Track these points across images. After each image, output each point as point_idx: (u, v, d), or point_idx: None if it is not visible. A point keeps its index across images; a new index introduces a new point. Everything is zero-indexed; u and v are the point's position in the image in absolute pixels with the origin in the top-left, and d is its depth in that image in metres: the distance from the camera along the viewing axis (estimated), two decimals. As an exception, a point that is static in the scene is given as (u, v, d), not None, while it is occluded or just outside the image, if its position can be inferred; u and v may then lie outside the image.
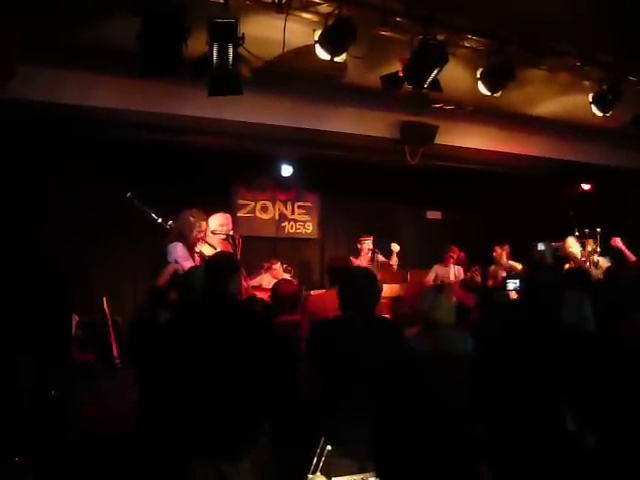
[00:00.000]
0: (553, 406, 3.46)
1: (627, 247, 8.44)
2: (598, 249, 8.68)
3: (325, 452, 3.80)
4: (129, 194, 6.55)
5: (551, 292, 3.73)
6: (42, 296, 5.74)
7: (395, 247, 9.54)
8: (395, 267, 9.64)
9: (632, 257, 8.27)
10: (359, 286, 4.14)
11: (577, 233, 8.88)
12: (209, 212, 6.86)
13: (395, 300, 8.81)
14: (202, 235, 6.44)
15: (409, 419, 3.81)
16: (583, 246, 8.70)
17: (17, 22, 5.75)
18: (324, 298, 5.48)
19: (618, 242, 8.46)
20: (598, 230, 8.74)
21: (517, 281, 6.51)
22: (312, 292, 8.28)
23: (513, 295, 6.07)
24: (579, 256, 8.61)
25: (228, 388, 4.04)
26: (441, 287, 4.93)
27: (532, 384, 3.51)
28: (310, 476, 3.80)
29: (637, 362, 3.54)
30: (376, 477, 3.75)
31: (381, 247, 9.80)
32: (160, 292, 5.37)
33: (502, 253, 9.46)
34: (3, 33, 5.75)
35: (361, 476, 3.80)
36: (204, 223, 6.44)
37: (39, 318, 5.75)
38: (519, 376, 3.57)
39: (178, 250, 6.14)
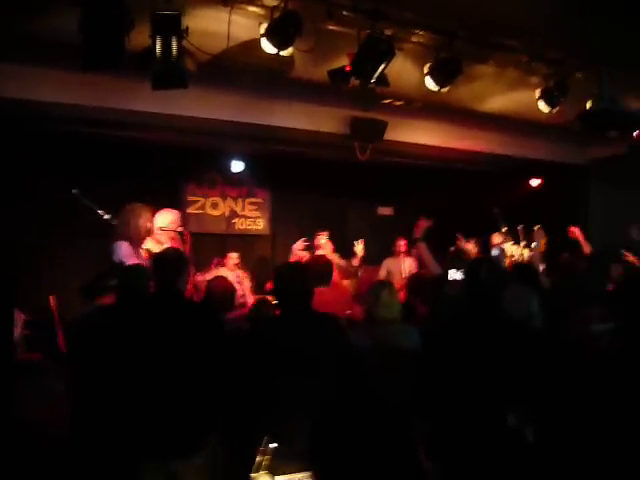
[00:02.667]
0: (494, 401, 3.46)
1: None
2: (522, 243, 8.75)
3: (268, 450, 3.77)
4: (75, 190, 6.46)
5: (490, 282, 3.74)
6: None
7: (359, 248, 9.40)
8: (357, 266, 9.51)
9: (587, 248, 8.29)
10: (292, 282, 4.13)
11: (504, 229, 8.95)
12: (158, 208, 6.78)
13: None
14: (146, 232, 6.36)
15: (348, 415, 3.79)
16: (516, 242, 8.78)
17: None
18: (323, 294, 5.43)
19: (576, 232, 8.46)
20: (519, 227, 8.81)
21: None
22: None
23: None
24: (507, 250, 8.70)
25: (178, 385, 4.02)
26: (384, 282, 4.89)
27: (473, 378, 3.51)
28: (254, 475, 3.76)
29: (581, 357, 3.54)
30: (317, 475, 3.74)
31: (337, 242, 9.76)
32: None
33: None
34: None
35: (305, 474, 3.78)
36: (146, 219, 6.36)
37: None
38: (460, 370, 3.57)
39: (123, 249, 6.07)
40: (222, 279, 6.42)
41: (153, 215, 6.50)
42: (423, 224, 6.36)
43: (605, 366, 3.37)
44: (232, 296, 6.08)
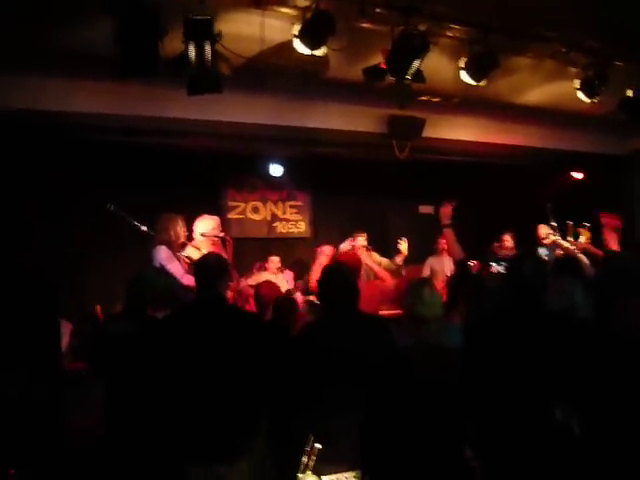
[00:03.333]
0: (540, 395, 3.40)
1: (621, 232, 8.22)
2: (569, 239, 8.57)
3: (315, 451, 3.76)
4: (109, 205, 6.53)
5: (534, 276, 3.68)
6: (27, 306, 5.67)
7: (403, 247, 9.35)
8: (401, 264, 9.46)
9: (614, 238, 8.04)
10: (338, 284, 4.12)
11: (553, 224, 8.78)
12: (198, 215, 6.83)
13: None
14: (184, 238, 6.44)
15: (397, 416, 3.76)
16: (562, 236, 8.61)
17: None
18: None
19: (607, 219, 8.21)
20: (569, 223, 8.64)
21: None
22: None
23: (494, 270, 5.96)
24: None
25: (223, 390, 4.03)
26: (424, 280, 4.84)
27: (517, 373, 3.46)
28: (300, 475, 3.76)
29: (630, 349, 3.46)
30: (365, 474, 3.72)
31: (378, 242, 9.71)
32: None
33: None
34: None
35: (351, 474, 3.77)
36: (181, 226, 6.44)
37: (26, 329, 5.69)
38: (504, 365, 3.52)
39: (161, 253, 6.21)
40: (271, 284, 6.41)
41: (186, 223, 6.57)
42: (448, 209, 6.27)
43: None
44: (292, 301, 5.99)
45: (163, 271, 6.04)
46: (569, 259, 6.45)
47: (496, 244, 9.65)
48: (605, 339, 3.51)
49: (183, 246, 6.52)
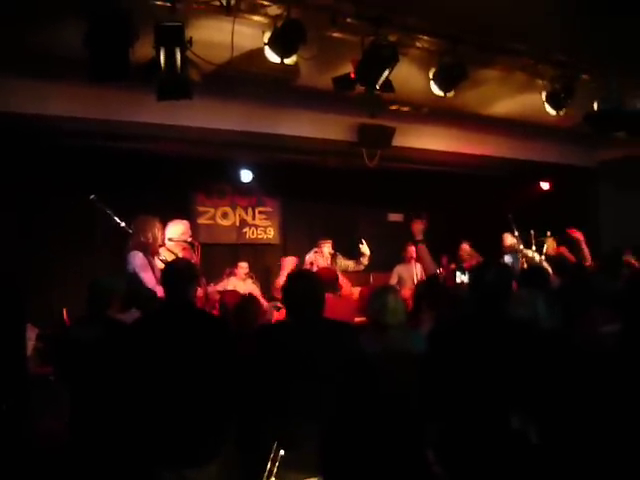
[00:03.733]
0: (497, 402, 3.45)
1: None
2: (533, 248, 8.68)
3: (279, 457, 3.77)
4: (93, 196, 6.44)
5: (497, 284, 3.72)
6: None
7: (364, 248, 9.39)
8: (366, 264, 9.50)
9: (587, 250, 8.19)
10: (302, 290, 4.13)
11: (516, 233, 8.87)
12: (168, 220, 6.80)
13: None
14: (161, 242, 6.36)
15: (359, 420, 3.78)
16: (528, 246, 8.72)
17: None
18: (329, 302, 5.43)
19: (576, 233, 8.32)
20: (531, 232, 8.74)
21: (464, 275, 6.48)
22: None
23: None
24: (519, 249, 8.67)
25: (190, 394, 4.02)
26: (389, 287, 4.89)
27: (476, 380, 3.50)
28: (264, 482, 3.76)
29: (586, 359, 3.52)
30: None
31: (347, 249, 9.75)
32: None
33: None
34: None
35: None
36: (158, 229, 6.36)
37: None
38: (464, 372, 3.56)
39: (137, 260, 6.04)
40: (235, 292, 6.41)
41: (160, 225, 6.50)
42: (420, 225, 6.33)
43: (610, 368, 3.35)
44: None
45: (136, 279, 5.96)
46: (534, 269, 6.52)
47: (460, 252, 9.77)
48: (564, 350, 3.57)
49: (158, 249, 6.43)
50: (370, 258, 9.36)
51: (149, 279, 5.99)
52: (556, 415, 3.33)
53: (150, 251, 6.18)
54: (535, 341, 3.57)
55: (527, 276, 5.69)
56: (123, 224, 6.36)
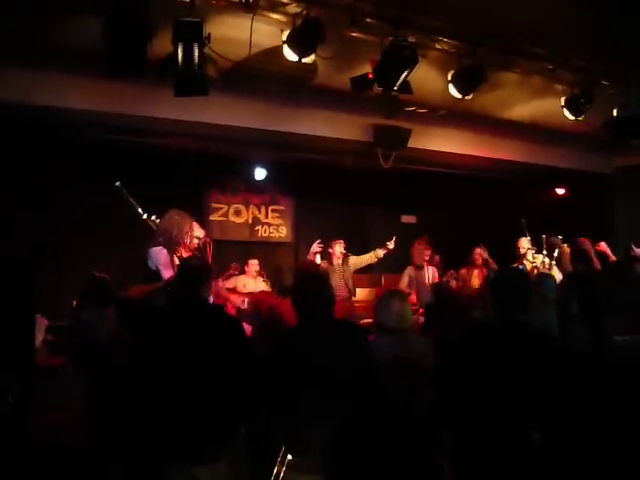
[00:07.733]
0: (519, 415, 3.40)
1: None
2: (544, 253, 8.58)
3: (286, 462, 3.73)
4: (118, 183, 6.31)
5: (516, 292, 3.67)
6: (2, 298, 5.59)
7: (391, 244, 9.31)
8: (376, 259, 9.45)
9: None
10: (315, 291, 4.08)
11: (529, 238, 8.78)
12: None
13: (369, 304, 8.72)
14: (188, 238, 6.11)
15: (367, 427, 3.74)
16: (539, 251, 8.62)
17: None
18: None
19: (603, 246, 8.13)
20: (543, 237, 8.62)
21: None
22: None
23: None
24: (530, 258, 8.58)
25: (202, 391, 4.00)
26: (395, 292, 4.82)
27: (497, 391, 3.45)
28: (272, 486, 3.73)
29: (596, 367, 3.48)
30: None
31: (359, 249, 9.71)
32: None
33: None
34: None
35: (323, 485, 3.72)
36: (190, 227, 6.14)
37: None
38: (483, 382, 3.51)
39: (161, 257, 5.81)
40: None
41: (192, 221, 6.26)
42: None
43: (619, 377, 3.30)
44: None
45: (156, 275, 5.77)
46: (544, 278, 6.46)
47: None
48: (574, 358, 3.53)
49: (183, 246, 6.18)
50: (389, 252, 9.33)
51: (170, 278, 5.75)
52: (585, 432, 3.28)
53: (174, 248, 6.01)
54: (559, 355, 3.52)
55: (537, 284, 5.64)
56: (145, 216, 6.16)
